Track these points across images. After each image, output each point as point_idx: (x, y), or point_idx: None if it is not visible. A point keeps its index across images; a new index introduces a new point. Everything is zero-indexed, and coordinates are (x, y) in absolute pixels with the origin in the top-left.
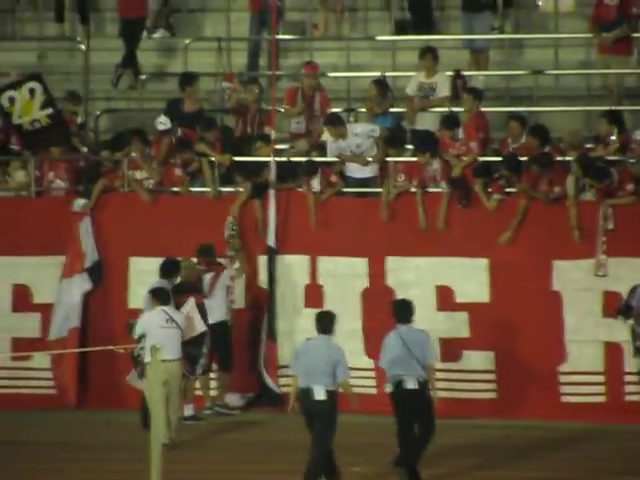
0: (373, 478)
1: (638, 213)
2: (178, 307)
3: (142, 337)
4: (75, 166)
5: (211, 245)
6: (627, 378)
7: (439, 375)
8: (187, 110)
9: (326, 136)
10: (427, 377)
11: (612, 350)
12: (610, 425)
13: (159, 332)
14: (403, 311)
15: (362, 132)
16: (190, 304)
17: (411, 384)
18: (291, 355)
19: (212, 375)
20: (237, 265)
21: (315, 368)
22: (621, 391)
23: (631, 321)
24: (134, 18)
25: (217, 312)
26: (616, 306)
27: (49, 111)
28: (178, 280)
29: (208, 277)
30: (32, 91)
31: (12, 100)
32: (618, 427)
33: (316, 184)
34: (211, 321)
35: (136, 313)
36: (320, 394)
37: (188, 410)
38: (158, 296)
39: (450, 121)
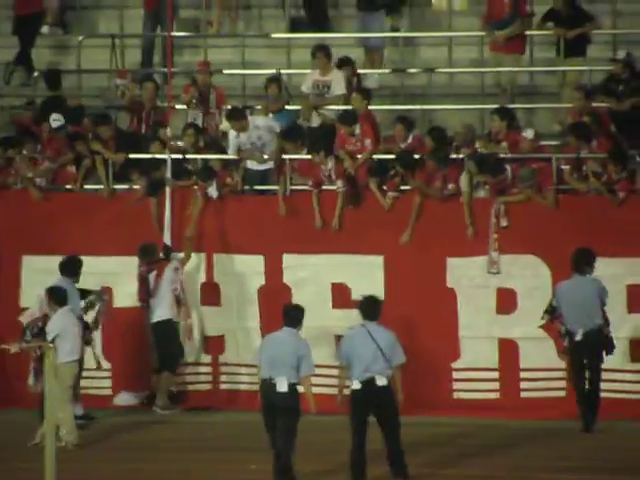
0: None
1: (531, 210)
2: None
3: (55, 337)
4: None
5: (150, 244)
6: (522, 375)
7: (332, 373)
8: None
9: (225, 126)
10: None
11: (507, 347)
12: (503, 421)
13: (73, 332)
14: (373, 308)
15: (263, 125)
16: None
17: (381, 381)
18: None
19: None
20: (181, 255)
21: (280, 360)
22: (517, 388)
23: (557, 321)
24: (29, 14)
25: (161, 310)
26: (545, 307)
27: None
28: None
29: (151, 277)
30: None
31: None
32: (511, 424)
33: (213, 191)
34: (157, 319)
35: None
36: (283, 386)
37: (78, 409)
38: (56, 297)
39: (348, 117)
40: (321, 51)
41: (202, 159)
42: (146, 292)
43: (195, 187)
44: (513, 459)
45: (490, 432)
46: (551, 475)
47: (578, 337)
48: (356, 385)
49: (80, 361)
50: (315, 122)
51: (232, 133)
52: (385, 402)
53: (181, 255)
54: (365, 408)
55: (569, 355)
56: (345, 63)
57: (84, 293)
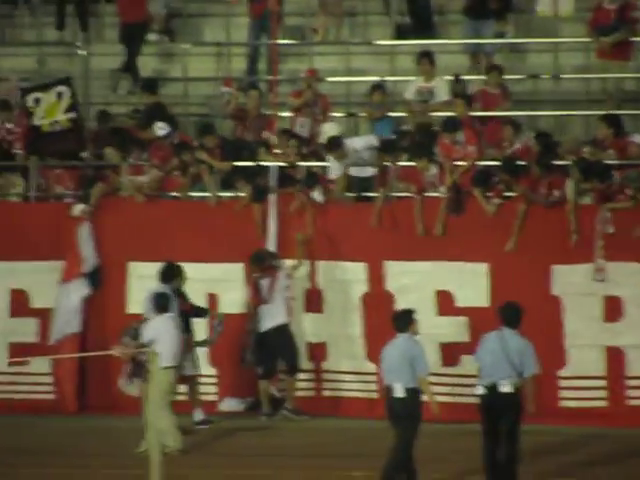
0: None
1: (637, 217)
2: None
3: (151, 343)
4: (79, 175)
5: (262, 251)
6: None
7: (440, 380)
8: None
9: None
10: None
11: (614, 354)
12: (610, 429)
13: (170, 338)
14: (510, 315)
15: (361, 147)
16: None
17: (505, 388)
18: None
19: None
20: (293, 262)
21: (394, 366)
22: (623, 396)
23: None
24: (134, 22)
25: (277, 316)
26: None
27: (71, 115)
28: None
29: (265, 283)
30: (60, 94)
31: (37, 101)
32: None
33: (318, 196)
34: (272, 324)
35: (134, 318)
36: (400, 391)
37: (198, 414)
38: (159, 303)
39: (451, 124)
40: (425, 57)
41: (307, 166)
42: (259, 299)
43: (299, 193)
44: (625, 468)
45: (599, 441)
46: None
47: None
48: (479, 390)
49: (179, 368)
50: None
51: (332, 161)
52: (507, 409)
53: (289, 262)
54: (489, 414)
55: None
56: (494, 68)
57: (199, 310)
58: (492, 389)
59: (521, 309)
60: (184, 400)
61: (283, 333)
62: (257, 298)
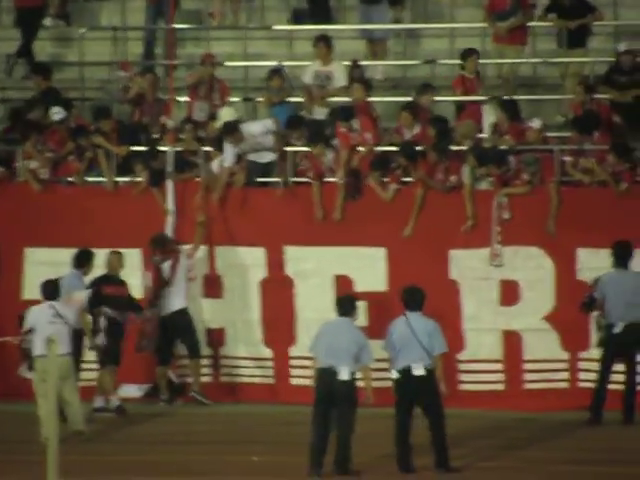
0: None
1: (534, 201)
2: (101, 300)
3: (30, 330)
4: None
5: (162, 234)
6: (526, 366)
7: None
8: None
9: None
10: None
11: (510, 338)
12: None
13: (47, 327)
14: (414, 298)
15: (259, 131)
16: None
17: (418, 371)
18: None
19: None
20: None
21: (339, 349)
22: (520, 379)
23: (595, 313)
24: (30, 7)
25: (177, 299)
26: (582, 298)
27: None
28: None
29: (166, 265)
30: None
31: None
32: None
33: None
34: (172, 309)
35: (31, 304)
36: (345, 374)
37: (98, 402)
38: (44, 290)
39: (345, 112)
40: (321, 41)
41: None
42: (161, 281)
43: (197, 178)
44: (534, 451)
45: (506, 424)
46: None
47: (617, 329)
48: (394, 375)
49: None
50: (317, 114)
51: (228, 146)
52: (424, 392)
53: (187, 246)
54: (405, 397)
55: (604, 347)
56: (471, 53)
57: (134, 305)
58: (406, 372)
59: (423, 292)
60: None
61: (184, 317)
62: (158, 281)
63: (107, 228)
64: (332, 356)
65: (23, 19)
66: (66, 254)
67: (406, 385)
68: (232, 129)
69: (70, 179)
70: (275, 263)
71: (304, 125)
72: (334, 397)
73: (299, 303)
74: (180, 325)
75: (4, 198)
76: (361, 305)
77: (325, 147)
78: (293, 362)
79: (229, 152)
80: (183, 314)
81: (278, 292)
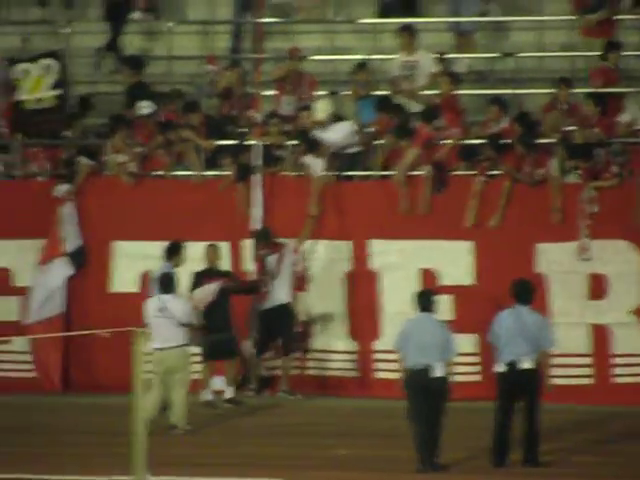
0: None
1: (621, 195)
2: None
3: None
4: (57, 156)
5: (267, 228)
6: (615, 360)
7: None
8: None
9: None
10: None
11: (599, 332)
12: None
13: (153, 321)
14: (524, 291)
15: (340, 138)
16: (209, 288)
17: (525, 364)
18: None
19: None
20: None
21: (429, 346)
22: (609, 373)
23: None
24: (119, 1)
25: (280, 294)
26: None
27: (58, 92)
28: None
29: (271, 260)
30: (48, 67)
31: (25, 73)
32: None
33: (317, 165)
34: (276, 303)
35: (118, 297)
36: (440, 371)
37: (206, 395)
38: (157, 283)
39: (429, 113)
40: (406, 31)
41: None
42: (267, 275)
43: (284, 172)
44: (623, 445)
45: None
46: None
47: None
48: (500, 367)
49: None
50: (411, 106)
51: (314, 160)
52: (529, 386)
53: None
54: (510, 391)
55: None
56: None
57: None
58: (512, 366)
59: (533, 285)
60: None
61: (286, 312)
62: (264, 275)
63: (195, 221)
64: (423, 354)
65: (111, 13)
66: (153, 247)
67: (512, 378)
68: (314, 145)
69: (158, 173)
70: (360, 257)
71: (392, 111)
72: (428, 393)
73: (384, 297)
74: (281, 320)
75: (93, 191)
76: (447, 299)
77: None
78: (378, 356)
79: (316, 164)
80: (286, 309)
81: (363, 285)
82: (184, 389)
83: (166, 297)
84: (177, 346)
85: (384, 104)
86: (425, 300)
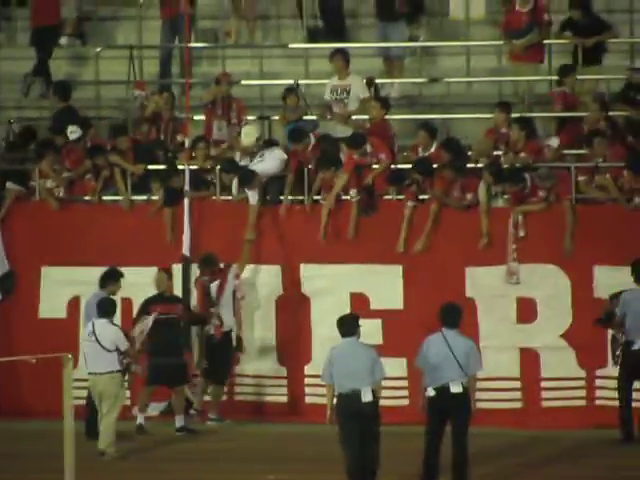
0: None
1: (549, 219)
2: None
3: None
4: None
5: (212, 254)
6: (543, 384)
7: None
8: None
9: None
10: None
11: (528, 356)
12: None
13: (83, 345)
14: (451, 316)
15: (274, 167)
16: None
17: (455, 388)
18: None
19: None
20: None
21: (357, 371)
22: (538, 397)
23: (612, 330)
24: (46, 26)
25: (224, 320)
26: (601, 314)
27: None
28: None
29: (214, 286)
30: None
31: None
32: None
33: (253, 196)
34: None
35: (47, 323)
36: (368, 395)
37: (140, 419)
38: (98, 307)
39: (356, 140)
40: (338, 54)
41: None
42: (208, 302)
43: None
44: (551, 469)
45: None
46: None
47: (636, 346)
48: (430, 392)
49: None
50: (339, 132)
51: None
52: (459, 410)
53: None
54: (439, 415)
55: (621, 364)
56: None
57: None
58: (443, 390)
59: (461, 309)
60: None
61: (226, 340)
62: (205, 302)
63: (123, 246)
64: (351, 380)
65: (39, 38)
66: (83, 273)
67: (441, 403)
68: (249, 179)
69: (87, 198)
70: (291, 281)
71: (307, 138)
72: (359, 418)
73: (315, 321)
74: (219, 347)
75: (21, 217)
76: (377, 323)
77: (336, 170)
78: (308, 380)
79: (251, 195)
80: (228, 336)
81: (294, 310)
82: (112, 415)
83: (98, 322)
84: (106, 372)
85: (295, 135)
86: (347, 325)
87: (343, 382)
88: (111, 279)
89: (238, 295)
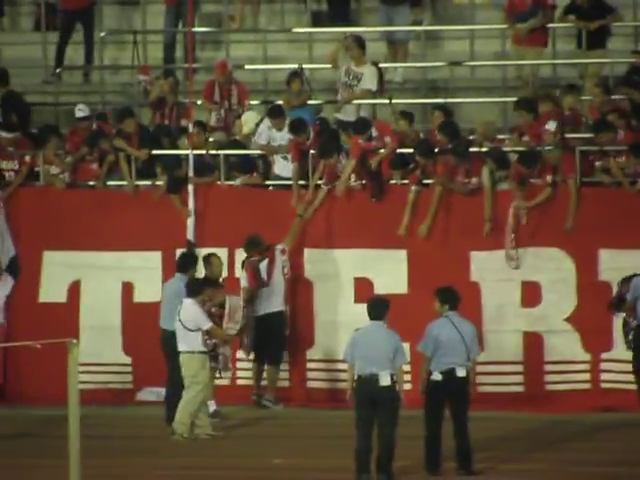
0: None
1: (554, 202)
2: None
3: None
4: None
5: (256, 235)
6: (547, 367)
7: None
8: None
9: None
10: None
11: (531, 340)
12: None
13: (176, 325)
14: (453, 297)
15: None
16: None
17: (461, 372)
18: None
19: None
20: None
21: (378, 356)
22: (542, 381)
23: (622, 314)
24: (76, 9)
25: (276, 301)
26: (609, 299)
27: None
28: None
29: (263, 266)
30: None
31: None
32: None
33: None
34: (271, 310)
35: (47, 307)
36: (386, 380)
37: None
38: (186, 287)
39: (361, 125)
40: (356, 41)
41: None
42: (258, 282)
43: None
44: (556, 453)
45: (528, 426)
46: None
47: None
48: (437, 376)
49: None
50: (345, 115)
51: (265, 129)
52: (462, 394)
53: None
54: (442, 399)
55: (634, 348)
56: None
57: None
58: (449, 374)
59: (456, 291)
60: None
61: (279, 320)
62: (255, 282)
63: (127, 231)
64: (370, 363)
65: (68, 22)
66: (85, 257)
67: (447, 387)
68: (278, 112)
69: (91, 183)
70: (295, 264)
71: (308, 130)
72: (376, 402)
73: (318, 305)
74: (273, 328)
75: (24, 201)
76: None
77: (338, 156)
78: (311, 365)
79: (264, 132)
80: (279, 317)
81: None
82: (188, 395)
83: (185, 302)
84: (186, 352)
85: (296, 127)
86: (376, 309)
87: (363, 365)
88: (191, 264)
89: (286, 271)
